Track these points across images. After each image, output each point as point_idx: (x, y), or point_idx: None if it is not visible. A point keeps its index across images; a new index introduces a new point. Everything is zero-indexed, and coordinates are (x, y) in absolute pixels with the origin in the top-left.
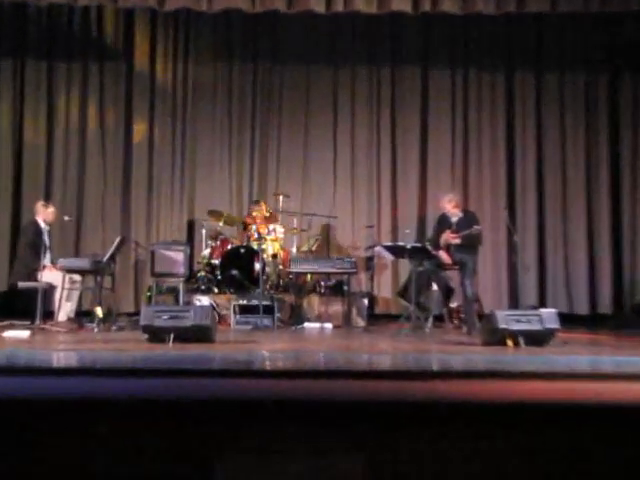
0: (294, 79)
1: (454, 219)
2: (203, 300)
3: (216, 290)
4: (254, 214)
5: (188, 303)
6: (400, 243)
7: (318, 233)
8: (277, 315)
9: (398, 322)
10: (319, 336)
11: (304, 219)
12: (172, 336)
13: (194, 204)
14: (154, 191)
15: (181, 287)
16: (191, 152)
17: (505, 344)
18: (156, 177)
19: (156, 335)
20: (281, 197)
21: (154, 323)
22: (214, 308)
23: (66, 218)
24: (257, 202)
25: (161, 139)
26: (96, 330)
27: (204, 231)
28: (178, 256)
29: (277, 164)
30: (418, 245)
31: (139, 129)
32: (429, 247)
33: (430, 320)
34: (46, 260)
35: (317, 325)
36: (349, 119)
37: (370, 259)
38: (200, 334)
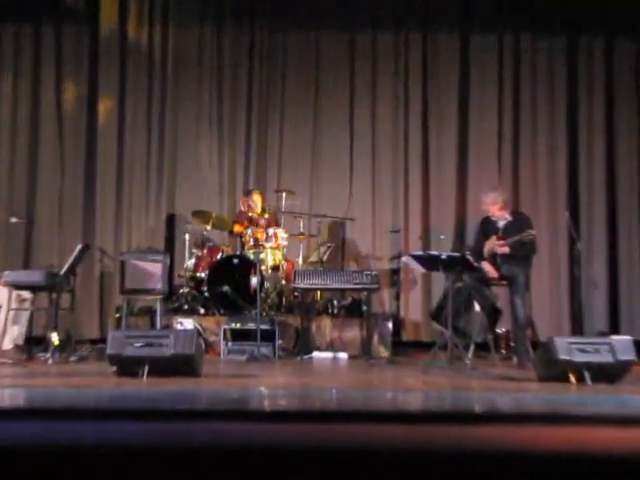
0: (300, 46)
1: (501, 223)
2: (186, 323)
3: (202, 311)
4: (250, 214)
5: (167, 327)
6: (433, 252)
7: (330, 239)
8: (279, 342)
9: (431, 352)
10: (331, 369)
11: (313, 222)
12: (147, 368)
13: (175, 203)
14: (124, 186)
15: (158, 307)
16: (171, 137)
17: (567, 380)
18: (127, 168)
19: (127, 367)
20: (284, 194)
21: (124, 352)
22: (200, 333)
23: (13, 220)
24: (249, 193)
25: (133, 120)
26: (50, 361)
27: (187, 237)
28: (155, 268)
29: (279, 153)
30: (456, 255)
31: (106, 108)
32: (469, 257)
33: (471, 349)
34: None
35: (329, 355)
36: (369, 97)
37: (395, 272)
38: (182, 366)
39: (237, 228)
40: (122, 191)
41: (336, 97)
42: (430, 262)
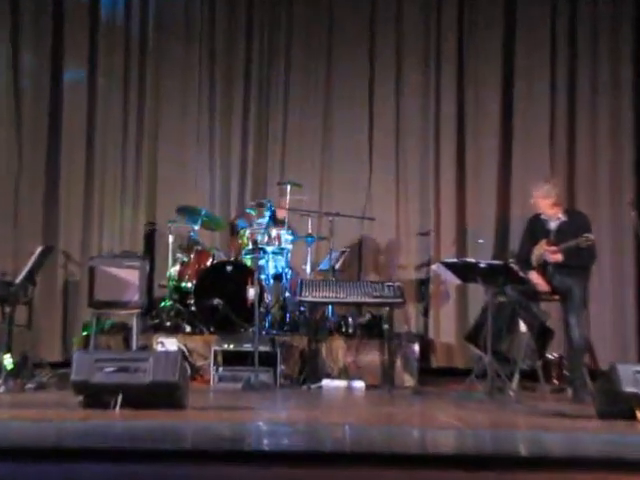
0: (309, 14)
1: (553, 224)
2: (168, 344)
3: (188, 329)
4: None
5: (145, 348)
6: (470, 259)
7: (344, 243)
8: (281, 368)
9: (466, 381)
10: (345, 400)
11: (323, 221)
12: (120, 399)
13: (156, 197)
14: (95, 178)
15: (135, 323)
16: (152, 118)
17: (632, 417)
18: (99, 157)
19: (96, 397)
20: (288, 188)
21: (93, 379)
22: (185, 356)
23: None
24: (260, 205)
25: (106, 100)
26: (2, 389)
27: (171, 239)
28: (130, 276)
29: (283, 137)
30: (497, 263)
31: (73, 81)
32: (514, 266)
33: (516, 378)
34: None
35: (342, 384)
36: (393, 67)
37: (424, 283)
38: (163, 396)
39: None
40: (92, 183)
41: (352, 74)
42: (466, 271)
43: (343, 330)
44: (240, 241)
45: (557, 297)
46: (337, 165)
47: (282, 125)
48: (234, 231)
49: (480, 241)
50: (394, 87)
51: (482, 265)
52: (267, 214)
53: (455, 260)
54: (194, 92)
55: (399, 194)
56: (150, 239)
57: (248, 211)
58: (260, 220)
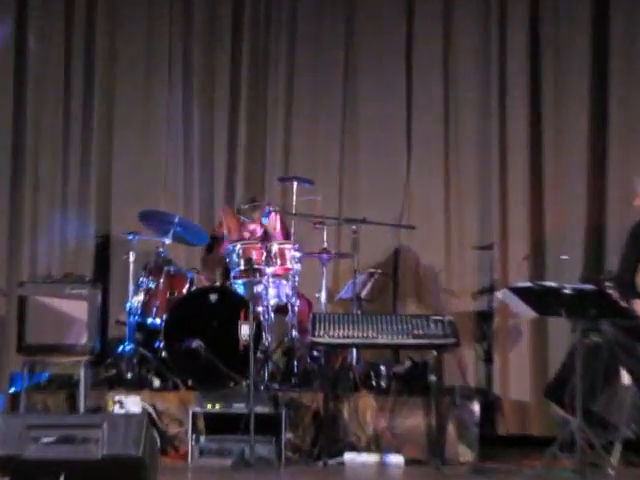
0: None
1: None
2: (129, 404)
3: (157, 383)
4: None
5: (97, 410)
6: (550, 283)
7: (374, 262)
8: (287, 436)
9: (546, 454)
10: None
11: (345, 232)
12: None
13: (110, 202)
14: (25, 174)
15: (82, 376)
16: (105, 97)
17: None
18: (30, 147)
19: (29, 479)
20: (295, 186)
21: (24, 453)
22: (153, 421)
23: None
24: (253, 206)
25: (41, 67)
26: None
27: (132, 257)
28: (76, 309)
29: (286, 119)
30: (589, 288)
31: None
32: (612, 292)
33: (617, 450)
34: None
35: (372, 458)
36: (438, 32)
37: (485, 317)
38: (122, 477)
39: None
40: (21, 180)
41: (382, 37)
42: (544, 300)
43: (373, 384)
44: (228, 260)
45: None
46: (362, 158)
47: (285, 103)
48: (216, 245)
49: (564, 257)
50: (441, 49)
51: (567, 291)
52: (264, 221)
53: (529, 284)
54: (162, 61)
55: (449, 194)
56: (102, 258)
57: (242, 219)
58: (253, 227)
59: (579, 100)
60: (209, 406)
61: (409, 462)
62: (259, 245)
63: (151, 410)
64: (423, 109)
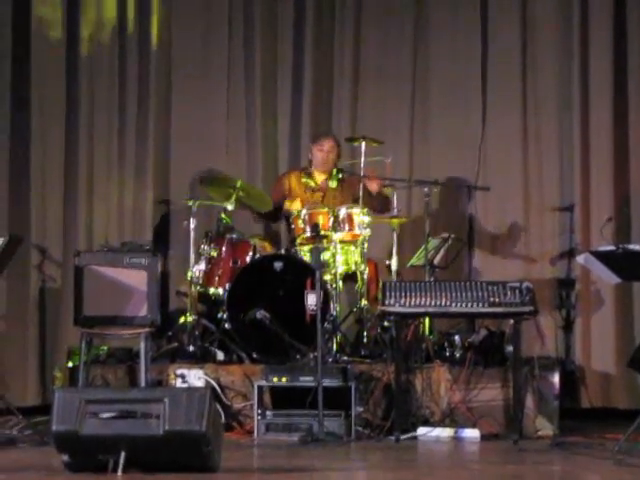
0: None
1: None
2: (192, 377)
3: (221, 356)
4: (305, 180)
5: (159, 384)
6: (635, 246)
7: (447, 227)
8: (357, 410)
9: (631, 427)
10: (452, 458)
11: (417, 195)
12: (123, 459)
13: (169, 166)
14: (79, 140)
15: (142, 349)
16: (161, 52)
17: None
18: (84, 108)
19: (87, 456)
20: (363, 145)
21: (82, 429)
22: (217, 396)
23: None
24: (316, 139)
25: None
26: None
27: (193, 224)
28: (135, 280)
29: (354, 75)
30: None
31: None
32: None
33: None
34: None
35: (447, 433)
36: None
37: (565, 284)
38: (185, 454)
39: (289, 205)
40: (75, 145)
41: None
42: (629, 265)
43: (447, 355)
44: (294, 226)
45: None
46: (434, 113)
47: (352, 58)
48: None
49: None
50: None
51: None
52: (333, 184)
53: (613, 248)
54: (222, 12)
55: (527, 153)
56: (162, 225)
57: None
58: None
59: None
60: (275, 379)
61: (485, 437)
62: (325, 210)
63: (214, 384)
64: (499, 67)
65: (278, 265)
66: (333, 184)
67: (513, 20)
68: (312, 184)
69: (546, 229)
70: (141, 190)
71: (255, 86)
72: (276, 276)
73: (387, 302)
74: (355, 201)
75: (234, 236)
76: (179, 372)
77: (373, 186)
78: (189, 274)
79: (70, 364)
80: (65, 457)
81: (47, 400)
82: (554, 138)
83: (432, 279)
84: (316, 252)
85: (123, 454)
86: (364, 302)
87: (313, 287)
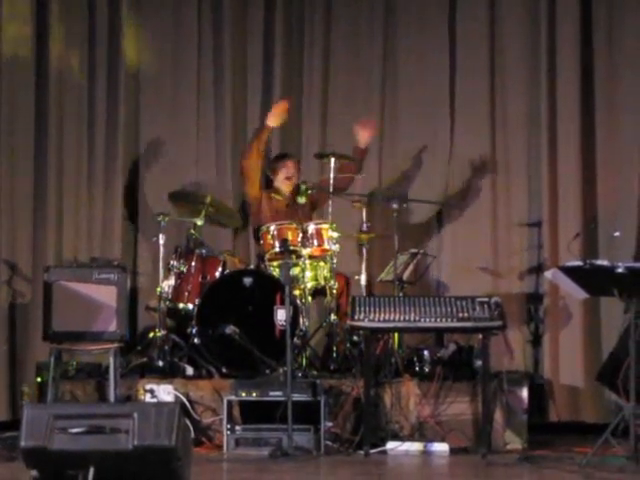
0: None
1: None
2: (161, 392)
3: (190, 370)
4: (275, 196)
5: (128, 399)
6: (602, 262)
7: (416, 242)
8: (327, 424)
9: (598, 441)
10: (421, 472)
11: (384, 210)
12: (92, 474)
13: (138, 181)
14: (48, 153)
15: (112, 364)
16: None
17: None
18: (53, 119)
19: (56, 472)
20: (332, 162)
21: (52, 445)
22: (186, 411)
23: None
24: (279, 159)
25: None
26: None
27: (162, 239)
28: (104, 295)
29: (323, 91)
30: None
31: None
32: None
33: None
34: None
35: (416, 447)
36: None
37: (534, 299)
38: (154, 469)
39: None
40: (44, 159)
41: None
42: (596, 280)
43: (416, 369)
44: (262, 241)
45: None
46: (403, 130)
47: (321, 76)
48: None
49: (616, 234)
50: (487, 24)
51: (620, 270)
52: (302, 200)
53: (580, 263)
54: (191, 23)
55: (496, 170)
56: (131, 241)
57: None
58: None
59: (633, 73)
60: (244, 394)
61: (454, 451)
62: (294, 225)
63: (184, 399)
64: (468, 85)
65: (247, 280)
66: (302, 200)
67: (481, 38)
68: (281, 199)
69: (514, 244)
70: (110, 206)
71: (225, 104)
72: (245, 291)
73: (356, 317)
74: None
75: (203, 251)
76: (148, 387)
77: (365, 135)
78: (158, 289)
79: (39, 379)
80: (34, 472)
81: (16, 415)
82: (522, 155)
83: (401, 294)
84: (285, 267)
85: (92, 469)
86: (333, 317)
87: (282, 302)
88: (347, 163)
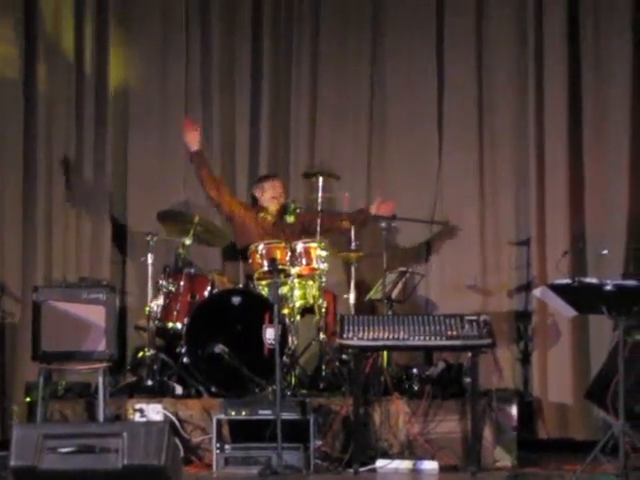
0: None
1: None
2: (150, 412)
3: (179, 390)
4: (261, 215)
5: (117, 419)
6: (591, 279)
7: (405, 261)
8: (316, 443)
9: (588, 458)
10: None
11: (374, 230)
12: None
13: (126, 201)
14: (37, 173)
15: (101, 384)
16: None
17: None
18: (41, 140)
19: None
20: (320, 181)
21: (41, 464)
22: (175, 430)
23: None
24: (267, 178)
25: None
26: None
27: (151, 259)
28: (93, 315)
29: (311, 109)
30: (631, 284)
31: None
32: None
33: None
34: None
35: (405, 465)
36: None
37: (523, 317)
38: None
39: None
40: (33, 180)
41: (411, 16)
42: (585, 298)
43: (405, 387)
44: (253, 260)
45: None
46: (391, 150)
47: (309, 95)
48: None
49: (604, 252)
50: (473, 41)
51: (608, 288)
52: (290, 219)
53: (568, 281)
54: (179, 42)
55: (483, 188)
56: (120, 260)
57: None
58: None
59: (621, 91)
60: (234, 413)
61: (444, 469)
62: (283, 244)
63: (173, 418)
64: (455, 102)
65: (236, 300)
66: (290, 219)
67: (469, 56)
68: (268, 218)
69: (502, 262)
70: (99, 226)
71: (212, 124)
72: (234, 310)
73: (345, 335)
74: (311, 234)
75: (192, 271)
76: (137, 407)
77: (389, 209)
78: (147, 309)
79: (28, 399)
80: None
81: (6, 435)
82: (510, 173)
83: (390, 313)
84: (274, 286)
85: None
86: (322, 335)
87: (271, 321)
88: (345, 223)
